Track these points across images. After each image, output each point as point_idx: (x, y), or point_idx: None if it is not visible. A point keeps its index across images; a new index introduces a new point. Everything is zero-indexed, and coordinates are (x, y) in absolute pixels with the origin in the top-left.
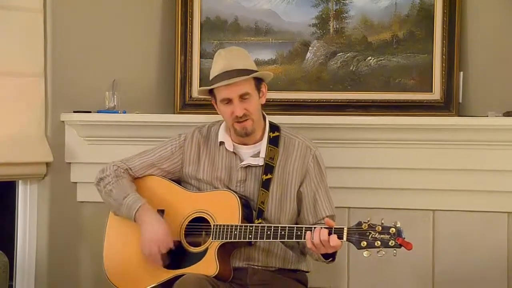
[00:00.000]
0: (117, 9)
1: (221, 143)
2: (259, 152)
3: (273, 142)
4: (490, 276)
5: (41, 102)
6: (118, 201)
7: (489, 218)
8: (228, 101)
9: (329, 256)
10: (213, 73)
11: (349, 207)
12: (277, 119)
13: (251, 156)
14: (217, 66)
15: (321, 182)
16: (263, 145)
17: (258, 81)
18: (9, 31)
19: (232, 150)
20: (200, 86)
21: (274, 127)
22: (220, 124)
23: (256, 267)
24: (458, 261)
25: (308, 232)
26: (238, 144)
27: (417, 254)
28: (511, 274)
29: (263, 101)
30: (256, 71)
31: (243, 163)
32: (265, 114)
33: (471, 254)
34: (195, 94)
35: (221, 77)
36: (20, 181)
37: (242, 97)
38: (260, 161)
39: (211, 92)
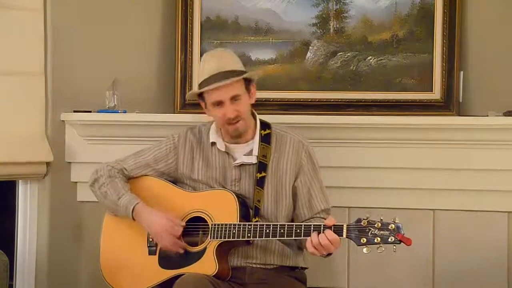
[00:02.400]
0: (117, 8)
1: (213, 143)
2: (251, 150)
3: (265, 139)
4: (490, 276)
5: (41, 101)
6: (114, 202)
7: (489, 217)
8: (219, 103)
9: None
10: (201, 77)
11: (349, 207)
12: (277, 118)
13: (244, 155)
14: (205, 69)
15: (314, 176)
16: (255, 143)
17: (247, 81)
18: (9, 31)
19: (224, 150)
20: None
21: (265, 125)
22: (211, 125)
23: (254, 265)
24: (458, 260)
25: (308, 238)
26: (230, 144)
27: (417, 254)
28: (511, 274)
29: (253, 100)
30: (244, 71)
31: (236, 161)
32: (255, 113)
33: (471, 254)
34: None
35: (210, 80)
36: (20, 181)
37: (233, 98)
38: (253, 159)
39: (200, 95)
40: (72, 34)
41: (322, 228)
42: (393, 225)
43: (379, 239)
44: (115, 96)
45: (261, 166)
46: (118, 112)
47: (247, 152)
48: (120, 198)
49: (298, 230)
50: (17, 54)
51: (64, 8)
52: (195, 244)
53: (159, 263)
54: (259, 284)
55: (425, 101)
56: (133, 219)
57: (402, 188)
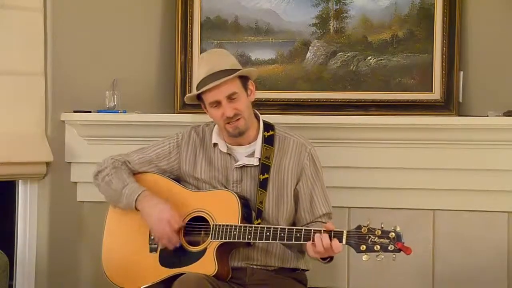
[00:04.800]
0: (117, 8)
1: (215, 144)
2: (253, 152)
3: (268, 141)
4: (490, 276)
5: (41, 101)
6: (118, 191)
7: (489, 217)
8: (217, 103)
9: (327, 257)
10: (197, 79)
11: (349, 207)
12: (277, 118)
13: (246, 156)
14: (201, 71)
15: (317, 179)
16: (257, 145)
17: (244, 79)
18: (9, 30)
19: (226, 151)
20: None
21: (268, 126)
22: (214, 125)
23: (255, 267)
24: (458, 260)
25: (309, 242)
26: (232, 145)
27: (417, 254)
28: (511, 274)
29: (252, 98)
30: (240, 70)
31: (238, 163)
32: (259, 114)
33: (471, 254)
34: None
35: (205, 81)
36: (20, 181)
37: (230, 97)
38: (255, 161)
39: (199, 98)
40: (72, 34)
41: (322, 233)
42: (393, 234)
43: (378, 247)
44: (115, 96)
45: (264, 167)
46: (118, 112)
47: (249, 153)
48: (125, 186)
49: (298, 234)
50: (17, 54)
51: (64, 8)
52: (197, 244)
53: (159, 261)
54: (259, 285)
55: (425, 101)
56: (136, 208)
57: (402, 188)
